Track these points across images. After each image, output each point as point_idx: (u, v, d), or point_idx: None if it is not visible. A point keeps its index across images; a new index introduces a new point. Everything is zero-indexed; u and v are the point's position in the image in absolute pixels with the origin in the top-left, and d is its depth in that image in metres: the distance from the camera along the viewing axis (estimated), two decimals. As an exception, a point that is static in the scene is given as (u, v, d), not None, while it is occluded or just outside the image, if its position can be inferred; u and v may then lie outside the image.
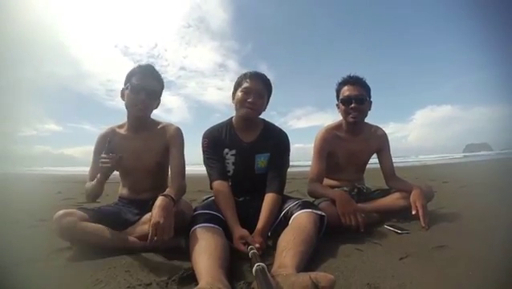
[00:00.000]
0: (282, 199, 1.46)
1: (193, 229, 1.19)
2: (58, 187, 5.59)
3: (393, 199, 1.75)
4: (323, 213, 1.33)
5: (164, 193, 1.24)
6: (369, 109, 1.84)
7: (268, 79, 1.57)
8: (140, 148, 1.50)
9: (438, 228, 1.50)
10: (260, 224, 1.32)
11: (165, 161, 1.54)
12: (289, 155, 1.62)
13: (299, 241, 1.09)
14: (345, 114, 1.82)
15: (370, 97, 1.83)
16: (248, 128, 1.60)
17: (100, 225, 1.29)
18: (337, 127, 1.91)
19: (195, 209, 1.36)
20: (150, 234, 1.08)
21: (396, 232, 1.50)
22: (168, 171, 1.54)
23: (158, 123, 1.59)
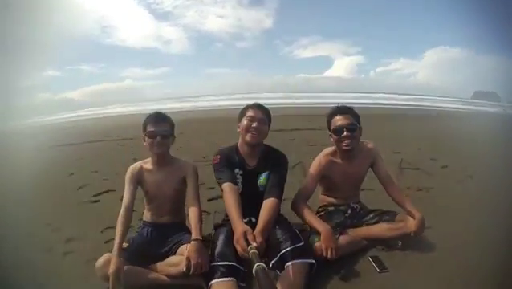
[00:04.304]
0: (278, 225, 1.58)
1: (210, 283, 1.33)
2: (66, 156, 5.70)
3: (383, 229, 1.90)
4: (313, 261, 1.47)
5: (195, 237, 1.51)
6: (360, 135, 1.93)
7: (268, 110, 1.78)
8: (161, 179, 1.80)
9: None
10: (259, 226, 1.45)
11: (182, 189, 1.82)
12: (286, 173, 1.77)
13: None
14: (338, 143, 1.90)
15: (359, 123, 1.92)
16: (252, 153, 1.75)
17: (137, 268, 1.55)
18: (333, 153, 2.03)
19: (212, 248, 1.50)
20: (192, 271, 1.38)
21: (376, 270, 1.64)
22: (184, 198, 1.84)
23: (177, 159, 1.88)
